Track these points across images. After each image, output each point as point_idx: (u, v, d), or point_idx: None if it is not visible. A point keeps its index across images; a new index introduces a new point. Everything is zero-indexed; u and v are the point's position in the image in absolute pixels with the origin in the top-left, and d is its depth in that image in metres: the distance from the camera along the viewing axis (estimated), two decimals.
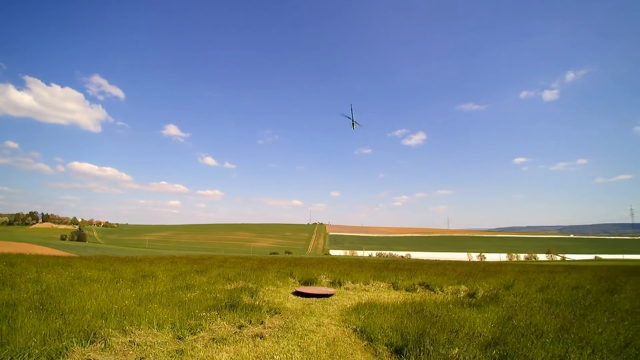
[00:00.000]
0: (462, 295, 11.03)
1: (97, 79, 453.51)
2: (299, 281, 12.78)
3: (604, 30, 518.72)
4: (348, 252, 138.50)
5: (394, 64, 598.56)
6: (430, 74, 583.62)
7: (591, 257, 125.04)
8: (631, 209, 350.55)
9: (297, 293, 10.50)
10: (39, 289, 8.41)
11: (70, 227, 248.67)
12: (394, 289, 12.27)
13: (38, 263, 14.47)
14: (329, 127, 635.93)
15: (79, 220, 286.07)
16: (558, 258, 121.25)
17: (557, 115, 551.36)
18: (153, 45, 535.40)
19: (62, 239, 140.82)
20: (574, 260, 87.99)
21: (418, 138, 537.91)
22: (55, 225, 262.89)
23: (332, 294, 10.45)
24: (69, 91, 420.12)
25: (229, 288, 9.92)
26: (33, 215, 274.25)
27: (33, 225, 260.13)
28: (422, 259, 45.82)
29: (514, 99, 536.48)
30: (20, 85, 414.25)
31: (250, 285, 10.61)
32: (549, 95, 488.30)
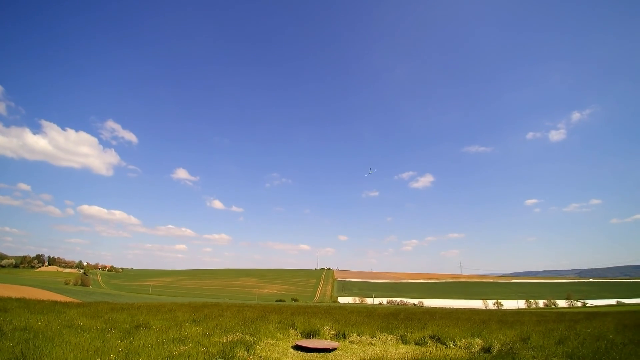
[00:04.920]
0: (476, 349, 10.21)
1: (111, 124, 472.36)
2: (300, 333, 12.05)
3: (608, 69, 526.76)
4: (357, 299, 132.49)
5: (399, 107, 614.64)
6: (435, 116, 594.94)
7: (613, 302, 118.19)
8: None
9: (297, 347, 9.82)
10: (25, 338, 8.02)
11: (75, 271, 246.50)
12: (402, 342, 11.45)
13: (33, 308, 14.05)
14: (336, 170, 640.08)
15: (85, 264, 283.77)
16: (579, 304, 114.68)
17: (565, 155, 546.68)
18: (165, 91, 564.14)
19: (66, 283, 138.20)
20: (595, 306, 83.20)
21: (426, 180, 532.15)
22: (60, 269, 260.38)
23: (335, 349, 9.75)
24: (83, 135, 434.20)
25: (224, 341, 9.32)
26: (39, 259, 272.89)
27: (39, 269, 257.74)
28: (435, 307, 43.55)
29: (520, 139, 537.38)
30: (37, 129, 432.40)
31: (248, 337, 9.98)
32: (555, 135, 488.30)
